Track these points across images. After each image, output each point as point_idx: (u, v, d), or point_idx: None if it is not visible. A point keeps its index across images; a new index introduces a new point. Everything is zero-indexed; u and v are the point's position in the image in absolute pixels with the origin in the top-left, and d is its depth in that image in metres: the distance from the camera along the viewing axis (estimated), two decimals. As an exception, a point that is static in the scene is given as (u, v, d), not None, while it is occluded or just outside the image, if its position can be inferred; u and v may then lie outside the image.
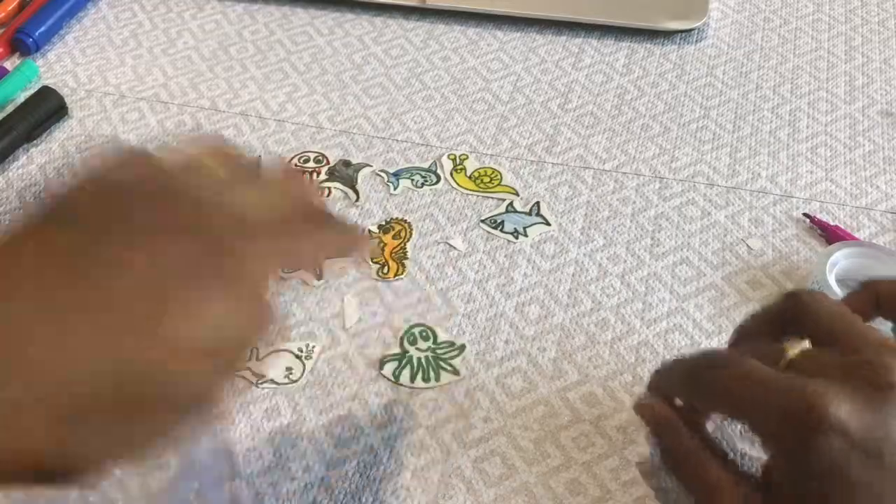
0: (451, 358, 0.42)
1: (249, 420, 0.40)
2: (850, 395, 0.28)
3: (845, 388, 0.28)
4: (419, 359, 0.42)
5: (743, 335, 0.35)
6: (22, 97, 0.57)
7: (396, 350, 0.43)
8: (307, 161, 0.52)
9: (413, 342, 0.43)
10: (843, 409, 0.28)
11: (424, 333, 0.43)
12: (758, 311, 0.35)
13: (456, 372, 0.42)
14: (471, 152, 0.53)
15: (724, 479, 0.32)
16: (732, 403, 0.32)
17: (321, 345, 0.43)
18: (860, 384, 0.29)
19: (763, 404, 0.30)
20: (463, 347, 0.43)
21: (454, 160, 0.52)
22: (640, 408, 0.36)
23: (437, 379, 0.41)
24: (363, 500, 0.37)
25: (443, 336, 0.43)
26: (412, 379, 0.41)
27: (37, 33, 0.61)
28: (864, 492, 0.28)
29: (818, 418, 0.28)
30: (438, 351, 0.42)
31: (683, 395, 0.35)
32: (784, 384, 0.30)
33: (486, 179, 0.51)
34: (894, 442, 0.28)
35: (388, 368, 0.42)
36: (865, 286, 0.35)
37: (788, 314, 0.33)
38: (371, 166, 0.52)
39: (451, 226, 0.48)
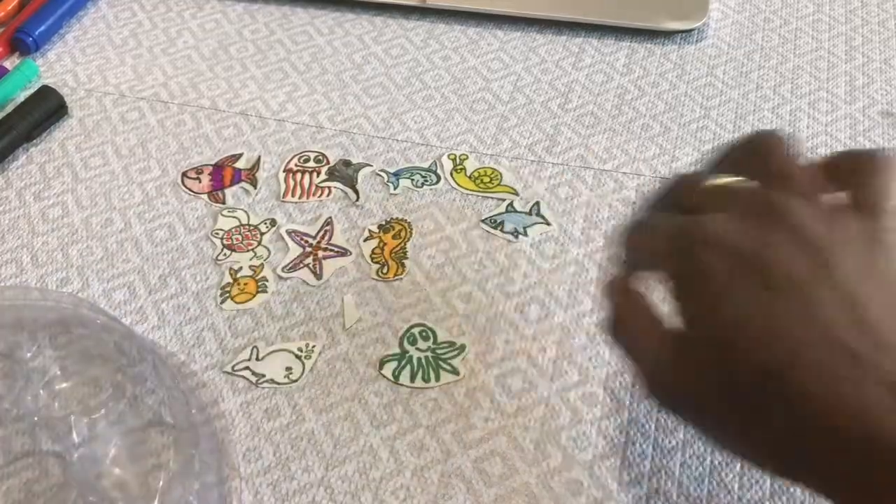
0: (451, 358, 0.42)
1: (249, 420, 0.40)
2: (732, 219, 0.29)
3: (736, 220, 0.29)
4: (419, 359, 0.42)
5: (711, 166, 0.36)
6: (22, 96, 0.57)
7: (396, 350, 0.43)
8: (307, 161, 0.52)
9: (413, 342, 0.43)
10: (728, 229, 0.29)
11: (424, 333, 0.43)
12: (728, 145, 0.35)
13: (456, 372, 0.42)
14: (471, 152, 0.53)
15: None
16: (645, 259, 0.33)
17: (321, 345, 0.43)
18: (758, 215, 0.29)
19: (661, 243, 0.31)
20: (463, 347, 0.42)
21: (454, 160, 0.52)
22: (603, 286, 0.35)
23: (437, 379, 0.41)
24: (363, 500, 0.37)
25: (443, 336, 0.43)
26: (412, 379, 0.41)
27: (36, 32, 0.61)
28: (740, 299, 0.28)
29: (699, 238, 0.29)
30: (438, 351, 0.42)
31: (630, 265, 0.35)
32: (678, 222, 0.31)
33: (486, 179, 0.51)
34: (778, 263, 0.28)
35: (388, 368, 0.42)
36: (835, 154, 0.34)
37: (748, 152, 0.33)
38: (371, 166, 0.52)
39: (452, 226, 0.48)
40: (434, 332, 0.43)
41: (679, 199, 0.33)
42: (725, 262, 0.28)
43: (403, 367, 0.42)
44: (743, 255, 0.28)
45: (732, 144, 0.34)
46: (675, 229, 0.31)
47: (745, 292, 0.28)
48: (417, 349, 0.43)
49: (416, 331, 0.43)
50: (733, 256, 0.28)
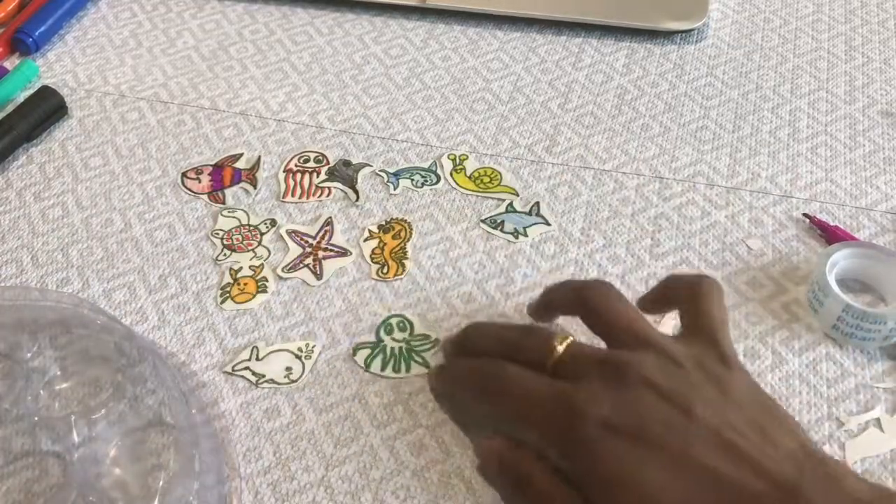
0: (424, 351, 0.42)
1: (249, 420, 0.40)
2: (605, 391, 0.33)
3: (603, 385, 0.33)
4: (392, 349, 0.42)
5: (546, 306, 0.41)
6: (22, 97, 0.57)
7: (371, 338, 0.43)
8: (307, 161, 0.52)
9: (389, 332, 0.43)
10: (601, 404, 0.33)
11: (402, 324, 0.43)
12: (564, 286, 0.40)
13: (426, 365, 0.42)
14: (471, 152, 0.53)
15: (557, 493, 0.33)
16: (511, 412, 0.35)
17: (321, 345, 0.43)
18: (612, 379, 0.34)
19: (536, 412, 0.34)
20: (437, 342, 0.43)
21: (454, 160, 0.52)
22: (485, 455, 0.36)
23: (408, 370, 0.41)
24: (363, 500, 0.37)
25: (420, 328, 0.43)
26: (383, 368, 0.41)
27: (37, 33, 0.61)
28: (630, 467, 0.31)
29: (578, 415, 0.33)
30: (413, 343, 0.43)
31: (467, 400, 0.38)
32: (551, 391, 0.34)
33: (486, 179, 0.51)
34: (649, 421, 0.32)
35: (361, 356, 0.42)
36: (662, 282, 0.40)
37: (578, 304, 0.38)
38: (371, 166, 0.52)
39: (451, 226, 0.48)
40: (411, 324, 0.43)
41: (537, 357, 0.36)
42: (601, 431, 0.32)
43: (376, 355, 0.42)
44: (614, 423, 0.32)
45: (562, 291, 0.40)
46: (550, 400, 0.34)
47: (622, 452, 0.32)
48: (393, 339, 0.43)
49: (394, 321, 0.43)
50: (608, 427, 0.32)
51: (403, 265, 0.46)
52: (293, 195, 0.50)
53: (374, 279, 0.46)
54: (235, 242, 0.48)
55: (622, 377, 0.34)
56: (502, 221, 0.48)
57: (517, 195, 0.50)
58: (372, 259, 0.47)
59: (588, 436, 0.32)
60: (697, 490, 0.31)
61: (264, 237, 0.48)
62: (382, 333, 0.43)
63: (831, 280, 0.42)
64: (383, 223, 0.49)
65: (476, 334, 0.40)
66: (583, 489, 0.32)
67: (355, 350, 0.42)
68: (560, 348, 0.36)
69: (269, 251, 0.47)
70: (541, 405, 0.34)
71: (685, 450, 0.31)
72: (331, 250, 0.47)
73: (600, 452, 0.32)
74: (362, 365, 0.42)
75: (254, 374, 0.42)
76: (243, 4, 0.65)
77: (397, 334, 0.43)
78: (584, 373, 0.34)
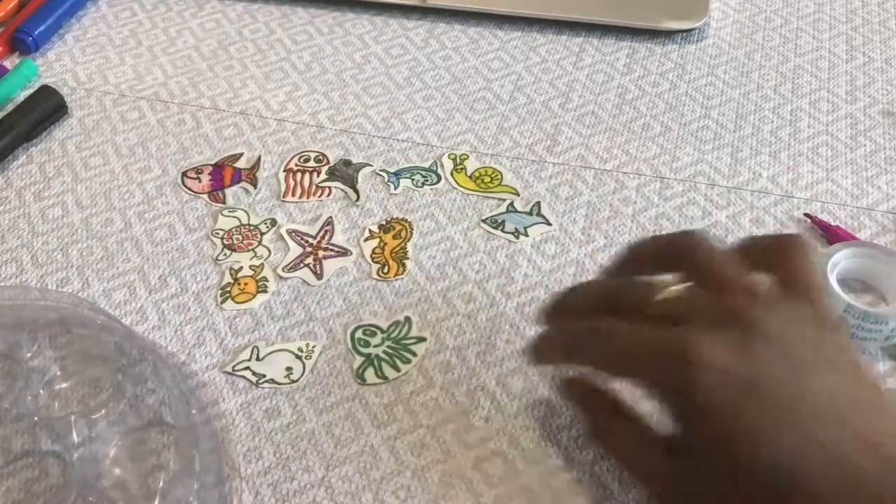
0: (405, 338, 0.43)
1: (250, 420, 0.40)
2: (720, 337, 0.31)
3: (715, 331, 0.31)
4: (377, 355, 0.42)
5: (624, 265, 0.38)
6: (22, 96, 0.57)
7: (361, 359, 0.42)
8: (307, 160, 0.52)
9: (366, 345, 0.43)
10: (716, 350, 0.31)
11: (370, 331, 0.43)
12: (644, 242, 0.38)
13: (414, 354, 0.42)
14: (471, 152, 0.53)
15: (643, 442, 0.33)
16: (615, 365, 0.34)
17: (321, 345, 0.43)
18: (727, 325, 0.31)
19: (643, 359, 0.32)
20: (408, 320, 0.43)
21: (455, 160, 0.52)
22: (568, 386, 0.38)
23: (408, 361, 0.42)
24: (363, 500, 0.37)
25: (384, 323, 0.43)
26: (377, 374, 0.41)
27: (36, 32, 0.61)
28: (743, 422, 0.30)
29: (694, 361, 0.30)
30: (392, 336, 0.43)
31: (567, 364, 0.38)
32: (659, 336, 0.32)
33: (487, 179, 0.51)
34: (765, 374, 0.30)
35: (370, 374, 0.42)
36: (742, 243, 0.37)
37: (672, 252, 0.36)
38: (371, 166, 0.52)
39: (452, 225, 0.48)
40: (377, 326, 0.43)
41: (636, 304, 0.35)
42: (722, 382, 0.30)
43: (366, 367, 0.42)
44: (735, 374, 0.30)
45: (655, 244, 0.37)
46: (658, 345, 0.32)
47: (737, 406, 0.30)
48: (374, 347, 0.42)
49: (359, 334, 0.43)
50: (728, 377, 0.30)
51: (404, 265, 0.46)
52: (293, 195, 0.50)
53: (374, 279, 0.46)
54: (235, 242, 0.48)
55: (735, 324, 0.32)
56: (503, 221, 0.48)
57: (518, 195, 0.50)
58: (372, 259, 0.47)
59: (704, 383, 0.30)
60: (807, 457, 0.29)
61: (264, 237, 0.48)
62: (361, 348, 0.43)
63: (832, 280, 0.42)
64: (384, 223, 0.49)
65: (574, 297, 0.38)
66: (687, 439, 0.31)
67: (360, 376, 0.42)
68: (667, 293, 0.34)
69: (269, 251, 0.47)
70: (652, 353, 0.32)
71: (799, 417, 0.30)
72: (331, 250, 0.47)
73: (720, 404, 0.30)
74: (359, 381, 0.41)
75: (254, 373, 0.42)
76: (243, 4, 0.65)
77: (374, 341, 0.43)
78: (692, 316, 0.33)
